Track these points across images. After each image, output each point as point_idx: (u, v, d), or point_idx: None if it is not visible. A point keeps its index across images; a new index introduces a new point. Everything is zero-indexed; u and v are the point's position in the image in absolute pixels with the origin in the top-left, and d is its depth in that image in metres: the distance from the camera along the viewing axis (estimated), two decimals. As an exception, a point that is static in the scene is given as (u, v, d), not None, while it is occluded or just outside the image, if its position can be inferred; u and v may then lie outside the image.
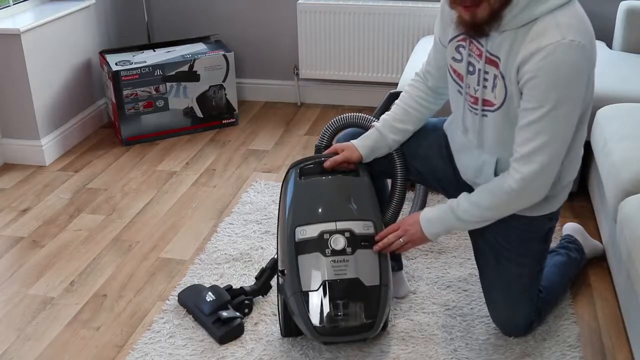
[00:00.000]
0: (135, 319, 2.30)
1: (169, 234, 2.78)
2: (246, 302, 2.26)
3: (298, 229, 2.01)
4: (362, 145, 2.15)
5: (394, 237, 2.00)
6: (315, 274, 1.95)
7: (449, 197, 2.25)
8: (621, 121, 2.51)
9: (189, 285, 2.39)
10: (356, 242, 1.99)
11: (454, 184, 2.12)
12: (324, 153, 2.21)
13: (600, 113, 2.62)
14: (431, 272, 2.46)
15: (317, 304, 1.92)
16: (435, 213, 2.00)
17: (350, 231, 1.99)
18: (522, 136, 1.81)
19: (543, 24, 1.73)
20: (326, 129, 2.28)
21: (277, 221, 2.17)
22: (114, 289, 2.46)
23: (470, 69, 1.92)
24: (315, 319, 1.92)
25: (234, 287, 2.32)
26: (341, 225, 2.01)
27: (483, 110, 1.92)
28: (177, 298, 2.34)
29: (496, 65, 1.83)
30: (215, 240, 2.70)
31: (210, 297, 2.23)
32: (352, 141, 2.17)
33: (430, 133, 2.18)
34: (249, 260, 2.55)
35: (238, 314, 2.21)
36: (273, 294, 2.35)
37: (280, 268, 2.04)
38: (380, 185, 2.26)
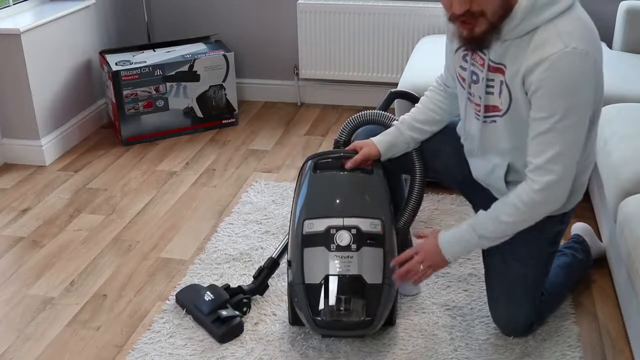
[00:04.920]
0: (135, 319, 2.30)
1: (169, 234, 2.78)
2: (245, 300, 2.26)
3: (306, 222, 2.04)
4: (381, 141, 2.17)
5: (415, 263, 1.98)
6: (319, 267, 1.98)
7: (465, 197, 2.27)
8: (621, 121, 2.51)
9: (187, 285, 2.39)
10: (362, 239, 2.01)
11: (470, 184, 2.13)
12: (346, 149, 2.23)
13: (601, 113, 2.61)
14: (431, 272, 2.46)
15: (318, 297, 1.96)
16: (455, 234, 1.98)
17: (357, 228, 2.02)
18: (535, 147, 1.82)
19: (544, 33, 1.74)
20: (346, 125, 2.31)
21: (290, 211, 2.20)
22: (114, 289, 2.46)
23: (474, 77, 1.94)
24: (315, 312, 1.96)
25: (232, 286, 2.32)
26: (348, 221, 2.03)
27: (489, 116, 1.94)
28: (174, 298, 2.34)
29: (502, 72, 1.85)
30: (215, 240, 2.70)
31: (208, 296, 2.23)
32: (370, 138, 2.20)
33: (450, 134, 2.19)
34: (248, 260, 2.55)
35: (237, 312, 2.21)
36: (273, 294, 2.36)
37: (288, 258, 2.08)
38: (396, 184, 2.28)
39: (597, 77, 1.82)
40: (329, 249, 2.00)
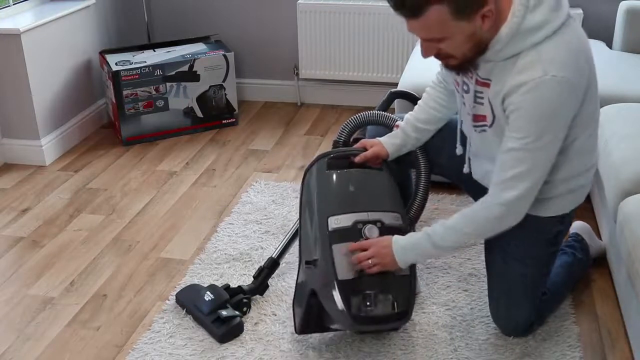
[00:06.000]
0: (135, 319, 2.30)
1: (169, 234, 2.78)
2: (244, 300, 2.26)
3: (331, 219, 2.03)
4: (389, 143, 2.21)
5: (363, 257, 1.95)
6: (351, 262, 1.96)
7: (468, 193, 2.30)
8: (621, 121, 2.51)
9: (187, 285, 2.40)
10: (387, 232, 2.02)
11: (472, 181, 2.14)
12: (354, 147, 2.25)
13: (601, 113, 2.61)
14: (431, 272, 2.46)
15: (354, 292, 1.94)
16: (410, 241, 1.97)
17: (381, 222, 2.03)
18: (503, 161, 1.84)
19: (527, 59, 1.75)
20: (345, 125, 2.33)
21: (299, 213, 2.20)
22: (114, 289, 2.46)
23: (465, 87, 1.96)
24: (351, 308, 1.93)
25: (232, 286, 2.32)
26: (373, 215, 2.04)
27: (479, 125, 1.96)
28: (174, 298, 2.34)
29: (488, 86, 1.87)
30: (215, 240, 2.70)
31: (208, 296, 2.23)
32: (379, 138, 2.22)
33: (455, 130, 2.19)
34: (248, 260, 2.55)
35: (237, 312, 2.21)
36: (273, 294, 2.36)
37: (308, 259, 2.05)
38: (403, 179, 2.30)
39: (587, 96, 1.82)
40: None
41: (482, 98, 1.90)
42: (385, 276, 1.96)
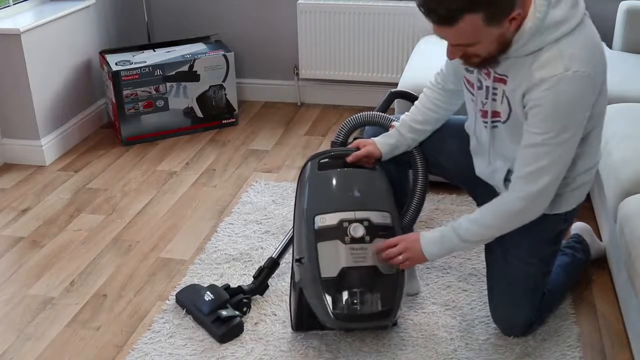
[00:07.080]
0: (135, 319, 2.30)
1: (169, 234, 2.78)
2: (244, 300, 2.26)
3: (317, 217, 2.05)
4: (382, 143, 2.21)
5: (394, 252, 1.99)
6: (335, 260, 1.98)
7: (468, 192, 2.30)
8: (621, 121, 2.51)
9: (187, 285, 2.40)
10: (374, 231, 2.02)
11: (474, 179, 2.15)
12: (348, 147, 2.26)
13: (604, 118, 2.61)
14: (431, 272, 2.46)
15: (336, 290, 1.95)
16: (437, 234, 2.01)
17: (369, 220, 2.03)
18: (525, 156, 1.86)
19: (548, 54, 1.76)
20: (343, 126, 2.34)
21: (293, 211, 2.21)
22: (114, 289, 2.46)
23: (479, 84, 1.96)
24: (333, 305, 1.94)
25: (232, 286, 2.32)
26: (360, 214, 2.05)
27: (493, 122, 1.97)
28: (174, 298, 2.35)
29: (504, 82, 1.87)
30: (215, 240, 2.70)
31: (208, 296, 2.23)
32: (373, 138, 2.23)
33: (456, 129, 2.21)
34: (248, 260, 2.55)
35: (237, 312, 2.21)
36: (273, 294, 2.36)
37: (297, 256, 2.07)
38: (402, 178, 2.31)
39: (601, 90, 1.84)
40: (343, 241, 2.00)
41: (496, 94, 1.91)
42: (369, 274, 1.98)
